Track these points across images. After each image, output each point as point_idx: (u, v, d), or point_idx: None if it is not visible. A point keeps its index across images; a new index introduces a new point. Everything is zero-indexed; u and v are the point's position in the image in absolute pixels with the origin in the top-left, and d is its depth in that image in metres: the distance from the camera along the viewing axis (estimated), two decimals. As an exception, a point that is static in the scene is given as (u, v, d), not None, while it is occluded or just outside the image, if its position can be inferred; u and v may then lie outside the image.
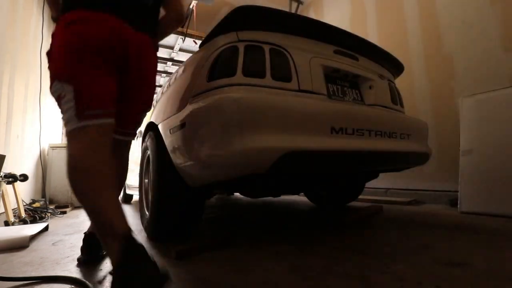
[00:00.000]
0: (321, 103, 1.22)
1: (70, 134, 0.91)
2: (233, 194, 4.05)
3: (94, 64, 0.93)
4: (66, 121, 0.92)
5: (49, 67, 1.00)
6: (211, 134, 1.10)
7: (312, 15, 4.67)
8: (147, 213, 1.61)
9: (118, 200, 0.92)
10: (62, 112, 0.95)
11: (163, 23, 1.25)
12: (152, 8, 1.19)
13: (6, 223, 2.04)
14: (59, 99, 0.95)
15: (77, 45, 0.92)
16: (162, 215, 1.41)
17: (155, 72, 1.21)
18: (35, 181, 3.22)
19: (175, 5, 1.26)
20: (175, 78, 1.65)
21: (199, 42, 4.11)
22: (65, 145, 2.19)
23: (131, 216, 2.64)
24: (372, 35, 3.53)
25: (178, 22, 1.31)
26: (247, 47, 1.23)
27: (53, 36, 1.00)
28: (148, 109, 1.24)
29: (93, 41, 0.93)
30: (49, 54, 1.01)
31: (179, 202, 1.42)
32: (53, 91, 0.97)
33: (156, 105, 1.91)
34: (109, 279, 0.99)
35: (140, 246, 0.79)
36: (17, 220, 2.16)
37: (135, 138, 1.39)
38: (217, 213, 2.57)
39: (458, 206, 2.11)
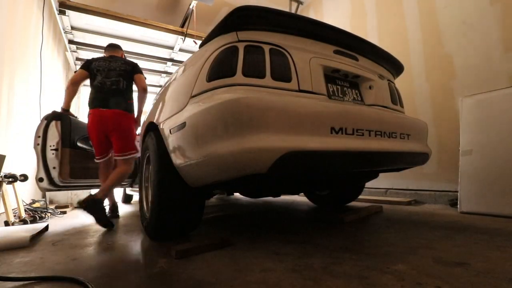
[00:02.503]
0: (321, 103, 1.22)
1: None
2: (233, 194, 4.05)
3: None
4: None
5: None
6: (211, 134, 1.10)
7: (312, 15, 4.67)
8: (147, 213, 1.61)
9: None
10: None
11: (137, 95, 2.48)
12: (123, 92, 2.34)
13: (6, 223, 2.04)
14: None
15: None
16: (162, 215, 1.41)
17: (126, 127, 2.30)
18: (35, 181, 3.22)
19: (139, 83, 2.43)
20: (175, 78, 1.65)
21: (199, 42, 4.11)
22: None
23: (131, 216, 2.64)
24: (372, 35, 3.53)
25: (143, 92, 2.46)
26: (247, 47, 1.23)
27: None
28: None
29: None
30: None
31: (179, 202, 1.42)
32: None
33: (156, 105, 1.91)
34: (108, 279, 0.99)
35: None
36: (17, 220, 2.16)
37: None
38: (217, 213, 2.57)
39: (458, 206, 2.11)
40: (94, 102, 2.28)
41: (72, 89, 2.40)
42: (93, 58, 2.54)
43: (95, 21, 3.90)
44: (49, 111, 2.38)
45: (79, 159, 2.48)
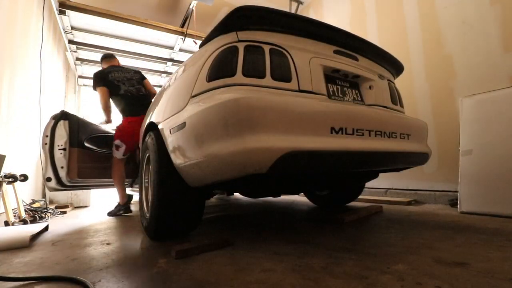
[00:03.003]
0: (321, 103, 1.22)
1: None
2: (233, 194, 4.05)
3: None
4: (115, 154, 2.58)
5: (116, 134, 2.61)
6: (211, 134, 1.10)
7: (312, 15, 4.67)
8: (147, 213, 1.61)
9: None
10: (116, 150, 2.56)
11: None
12: (148, 97, 2.76)
13: (6, 223, 2.04)
14: (117, 147, 2.55)
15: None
16: (162, 215, 1.41)
17: None
18: (35, 181, 3.22)
19: (151, 89, 2.90)
20: (175, 78, 1.65)
21: (199, 42, 4.11)
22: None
23: (131, 216, 2.64)
24: (372, 35, 3.53)
25: (154, 97, 2.65)
26: (247, 47, 1.23)
27: (120, 123, 2.66)
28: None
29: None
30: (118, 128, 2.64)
31: (179, 202, 1.42)
32: (116, 143, 2.55)
33: (155, 105, 1.91)
34: (108, 279, 0.99)
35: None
36: (17, 220, 2.16)
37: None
38: (217, 213, 2.57)
39: (458, 206, 2.11)
40: (136, 111, 2.61)
41: (108, 109, 2.74)
42: (103, 71, 2.71)
43: (95, 21, 3.90)
44: (49, 111, 2.38)
45: (87, 158, 2.47)
